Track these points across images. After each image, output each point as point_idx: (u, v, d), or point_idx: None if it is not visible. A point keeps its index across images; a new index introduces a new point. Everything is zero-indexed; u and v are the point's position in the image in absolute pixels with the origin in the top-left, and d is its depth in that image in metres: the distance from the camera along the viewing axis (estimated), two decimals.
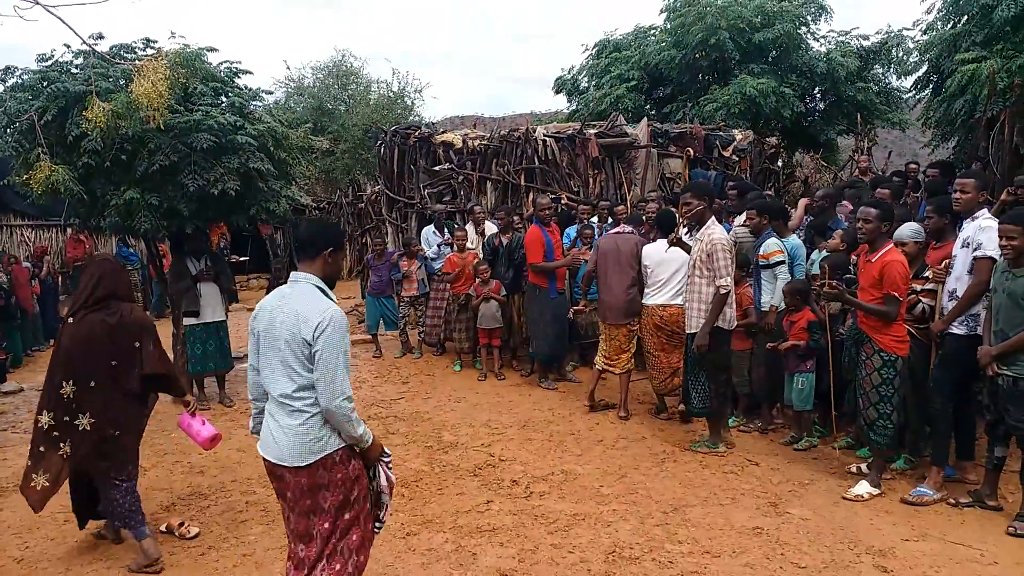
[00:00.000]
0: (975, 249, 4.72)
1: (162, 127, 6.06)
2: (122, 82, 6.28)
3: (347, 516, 3.05)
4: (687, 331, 5.82)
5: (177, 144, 6.29)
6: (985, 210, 4.87)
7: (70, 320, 4.07)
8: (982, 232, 4.71)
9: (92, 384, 4.03)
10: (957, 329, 4.84)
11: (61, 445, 4.03)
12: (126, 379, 4.11)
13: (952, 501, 4.78)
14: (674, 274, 6.32)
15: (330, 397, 2.89)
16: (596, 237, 7.88)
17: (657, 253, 6.45)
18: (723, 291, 5.48)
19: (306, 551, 3.05)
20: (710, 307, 5.55)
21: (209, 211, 6.78)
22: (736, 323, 5.82)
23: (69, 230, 13.75)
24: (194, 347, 7.25)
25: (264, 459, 3.10)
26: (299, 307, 2.97)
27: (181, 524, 4.53)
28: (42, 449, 4.05)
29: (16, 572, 4.13)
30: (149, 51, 6.70)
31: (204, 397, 7.37)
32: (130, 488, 4.17)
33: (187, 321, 7.26)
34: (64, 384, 4.00)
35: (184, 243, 7.31)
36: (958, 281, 4.84)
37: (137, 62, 6.15)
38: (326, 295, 3.05)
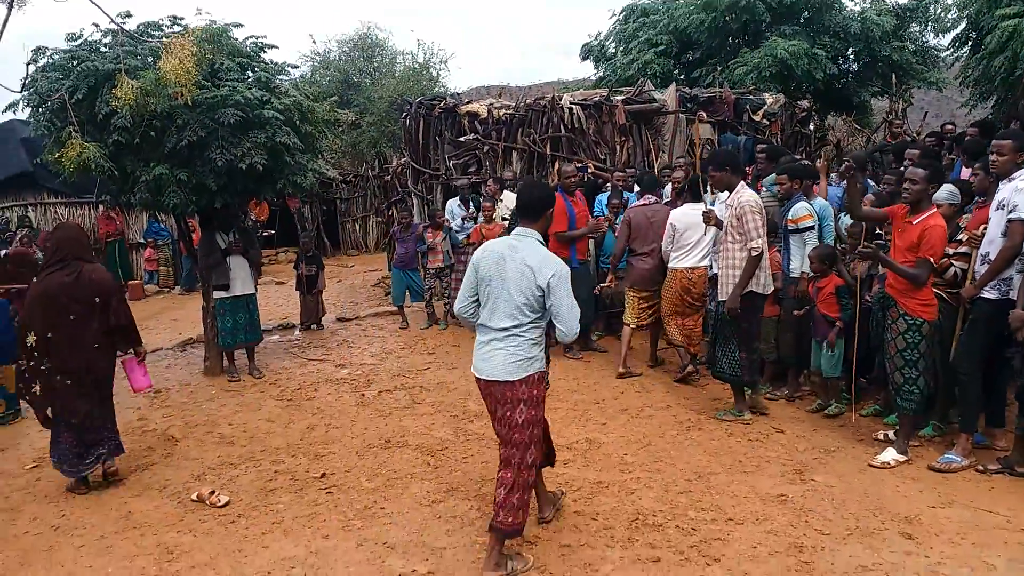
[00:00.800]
0: (1010, 211, 4.59)
1: (190, 103, 6.10)
2: (150, 59, 6.32)
3: (538, 418, 3.78)
4: (719, 298, 5.75)
5: (205, 120, 6.33)
6: (1023, 171, 4.73)
7: (34, 280, 4.70)
8: (1018, 194, 4.57)
9: (49, 335, 4.64)
10: (989, 293, 4.73)
11: (33, 385, 4.72)
12: (84, 331, 4.70)
13: (981, 468, 4.72)
14: (702, 237, 6.40)
15: (569, 328, 3.66)
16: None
17: (685, 216, 6.51)
18: (755, 253, 5.40)
19: (509, 450, 3.77)
20: (742, 271, 5.50)
21: (237, 186, 6.83)
22: (772, 287, 5.75)
23: (101, 207, 14.02)
24: (224, 320, 7.38)
25: (478, 379, 3.88)
26: (529, 260, 3.66)
27: (212, 493, 4.65)
28: (20, 386, 4.86)
29: (52, 539, 4.28)
30: (176, 28, 6.75)
31: (235, 369, 7.50)
32: (66, 433, 4.79)
33: (217, 295, 7.37)
34: (28, 335, 4.67)
35: (213, 218, 7.40)
36: (991, 244, 4.73)
37: (164, 39, 6.19)
38: (544, 247, 3.75)
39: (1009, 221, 4.60)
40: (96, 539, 4.25)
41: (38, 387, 4.71)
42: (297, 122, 6.98)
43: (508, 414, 3.74)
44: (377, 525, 4.27)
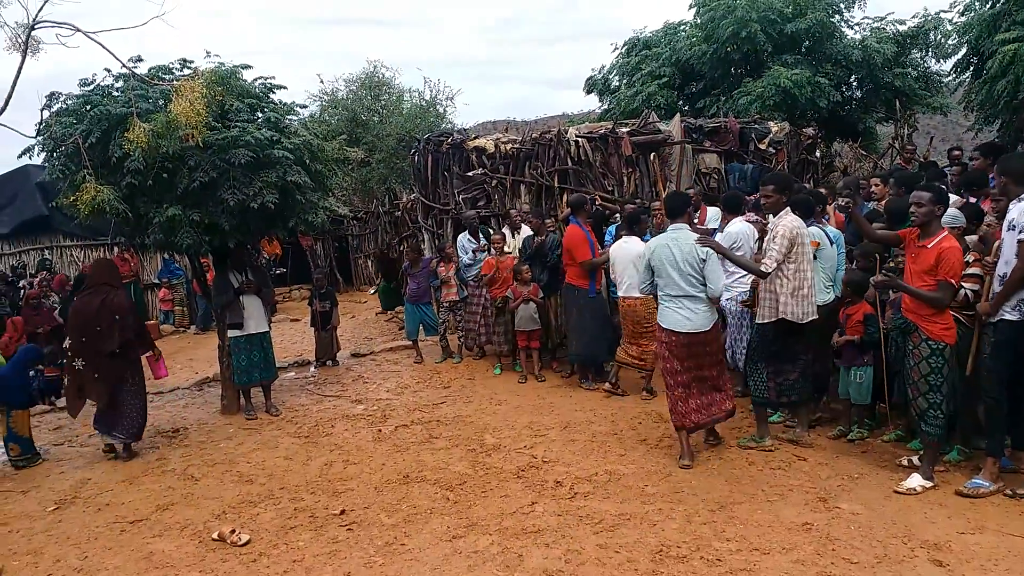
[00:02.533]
0: (1021, 232, 4.59)
1: (201, 144, 6.18)
2: (161, 102, 6.41)
3: (719, 350, 5.64)
4: (757, 320, 5.72)
5: (216, 160, 6.41)
6: None
7: (75, 299, 6.83)
8: (1023, 215, 4.58)
9: (83, 340, 6.27)
10: (1010, 315, 4.69)
11: (68, 377, 6.46)
12: (106, 339, 6.23)
13: (1009, 492, 4.64)
14: (624, 269, 6.96)
15: (716, 288, 5.38)
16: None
17: (619, 250, 7.12)
18: (764, 269, 5.37)
19: (715, 378, 5.61)
20: (769, 290, 5.51)
21: (249, 225, 6.89)
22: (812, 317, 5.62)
23: (116, 248, 14.12)
24: (239, 358, 7.39)
25: (676, 332, 5.43)
26: (689, 241, 5.39)
27: (232, 532, 4.62)
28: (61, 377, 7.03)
29: None
30: (186, 71, 6.84)
31: (251, 407, 7.50)
32: (100, 412, 6.39)
33: (231, 333, 7.40)
34: (68, 340, 6.44)
35: (227, 257, 7.46)
36: (1007, 265, 4.71)
37: (175, 82, 6.30)
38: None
39: (1019, 243, 4.59)
40: None
41: (69, 379, 6.42)
42: (307, 161, 7.05)
43: (710, 347, 5.56)
44: (399, 561, 4.23)
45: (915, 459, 5.17)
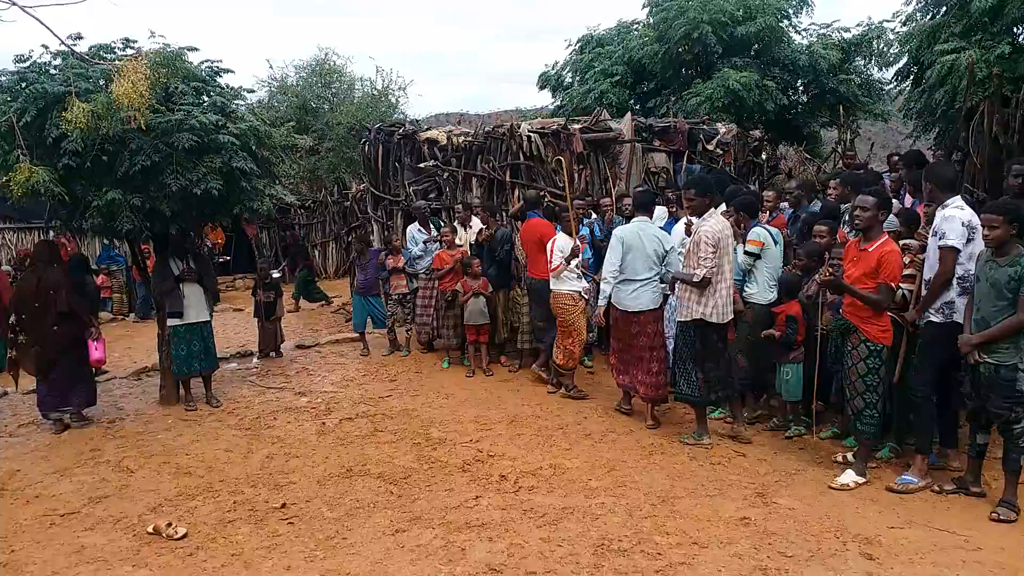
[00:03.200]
0: (942, 238, 4.77)
1: (143, 127, 6.00)
2: (102, 82, 6.20)
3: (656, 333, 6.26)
4: (677, 319, 5.94)
5: (159, 144, 6.23)
6: (957, 198, 4.90)
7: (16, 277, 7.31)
8: (946, 222, 4.77)
9: (23, 316, 6.67)
10: (935, 317, 4.89)
11: (10, 351, 6.88)
12: (44, 315, 6.58)
13: (937, 488, 4.83)
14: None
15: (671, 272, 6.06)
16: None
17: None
18: (695, 279, 5.60)
19: (653, 353, 6.26)
20: (688, 290, 5.75)
21: (192, 211, 6.73)
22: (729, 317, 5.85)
23: (51, 232, 13.62)
24: (179, 348, 7.22)
25: (625, 311, 6.25)
26: (654, 233, 6.28)
27: (168, 525, 4.51)
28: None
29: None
30: (129, 51, 6.62)
31: (191, 398, 7.33)
32: (43, 386, 6.70)
33: (171, 322, 7.22)
34: (11, 316, 6.76)
35: (168, 244, 7.27)
36: (932, 270, 4.89)
37: (117, 62, 6.09)
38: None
39: (940, 248, 4.77)
40: None
41: (14, 353, 6.80)
42: (253, 147, 6.91)
43: (652, 327, 6.27)
44: (340, 555, 4.19)
45: (849, 456, 5.33)
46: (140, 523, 4.66)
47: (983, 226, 4.49)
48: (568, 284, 7.10)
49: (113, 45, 6.70)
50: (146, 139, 6.18)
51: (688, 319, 5.76)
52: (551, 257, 7.10)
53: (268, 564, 4.12)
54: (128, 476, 5.54)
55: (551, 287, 7.18)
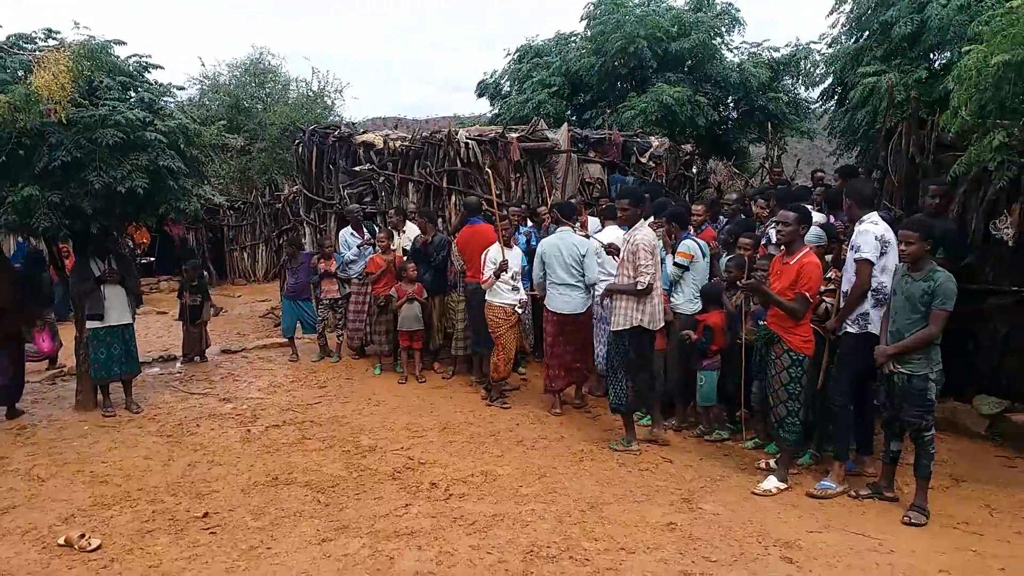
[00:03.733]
0: (857, 252, 4.97)
1: (64, 121, 5.79)
2: (20, 73, 5.95)
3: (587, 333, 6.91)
4: (612, 328, 5.96)
5: (81, 140, 6.00)
6: (873, 214, 5.10)
7: None
8: (860, 236, 4.97)
9: None
10: (851, 328, 5.08)
11: None
12: None
13: (853, 493, 5.01)
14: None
15: (591, 277, 6.59)
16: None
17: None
18: (639, 287, 5.67)
19: (579, 355, 6.86)
20: (624, 299, 5.82)
21: (115, 209, 6.50)
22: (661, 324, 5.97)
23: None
24: (98, 351, 6.94)
25: (558, 313, 6.68)
26: (573, 240, 6.63)
27: (81, 536, 4.32)
28: None
29: None
30: (51, 42, 6.40)
31: (110, 403, 7.05)
32: None
33: (90, 324, 6.94)
34: None
35: (88, 243, 6.99)
36: (849, 283, 5.09)
37: (37, 52, 5.86)
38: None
39: (855, 261, 4.97)
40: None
41: None
42: (182, 145, 6.73)
43: (583, 329, 6.85)
44: (264, 566, 4.09)
45: (772, 462, 5.49)
46: (51, 534, 4.46)
47: (900, 242, 4.69)
48: (500, 297, 7.07)
49: (34, 35, 6.47)
50: (67, 134, 5.96)
51: (626, 327, 5.81)
52: (483, 267, 7.11)
53: (188, 575, 3.98)
54: (39, 485, 5.29)
55: (485, 297, 7.18)
